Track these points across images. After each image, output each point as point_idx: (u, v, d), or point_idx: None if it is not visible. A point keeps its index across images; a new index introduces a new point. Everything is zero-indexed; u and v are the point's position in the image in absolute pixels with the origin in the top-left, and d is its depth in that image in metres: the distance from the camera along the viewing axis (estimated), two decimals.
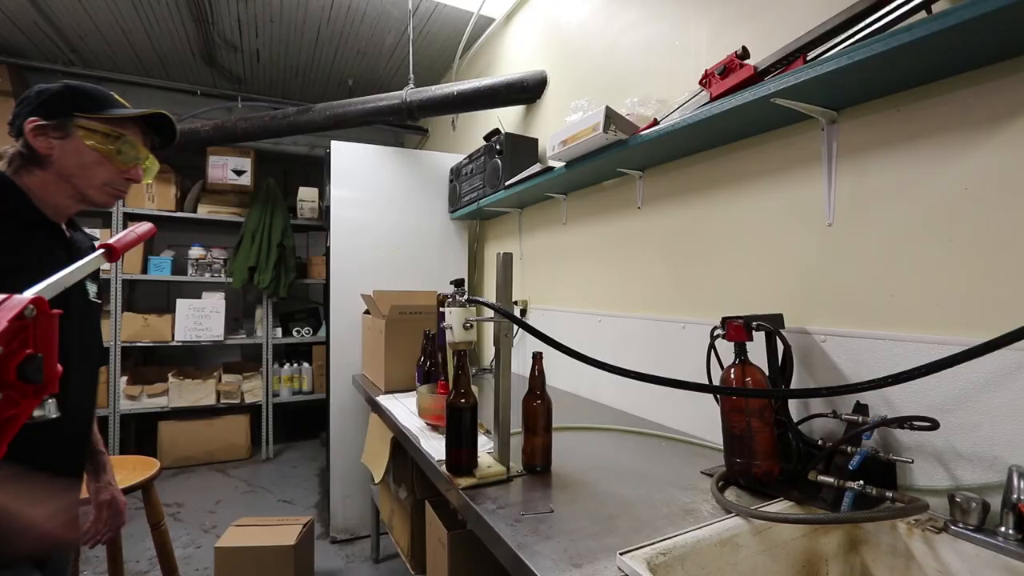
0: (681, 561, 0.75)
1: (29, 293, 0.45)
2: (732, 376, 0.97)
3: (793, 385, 1.06)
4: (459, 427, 1.05)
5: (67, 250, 0.97)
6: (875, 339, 0.98)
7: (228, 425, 3.61)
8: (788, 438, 0.97)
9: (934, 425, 0.81)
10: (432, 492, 1.61)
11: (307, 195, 3.91)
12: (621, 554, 0.72)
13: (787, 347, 1.03)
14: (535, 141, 2.20)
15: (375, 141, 2.88)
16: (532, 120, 2.39)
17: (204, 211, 3.63)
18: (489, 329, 2.60)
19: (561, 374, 1.96)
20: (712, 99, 1.12)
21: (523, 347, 2.26)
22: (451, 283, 1.10)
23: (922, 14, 0.84)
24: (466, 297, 1.08)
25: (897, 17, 0.86)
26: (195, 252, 3.63)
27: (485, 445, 1.24)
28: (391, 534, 1.94)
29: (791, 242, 1.17)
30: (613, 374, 0.81)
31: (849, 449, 0.89)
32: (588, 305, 1.91)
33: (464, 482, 1.02)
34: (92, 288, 1.07)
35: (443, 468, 1.09)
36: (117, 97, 0.98)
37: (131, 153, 0.96)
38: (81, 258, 0.82)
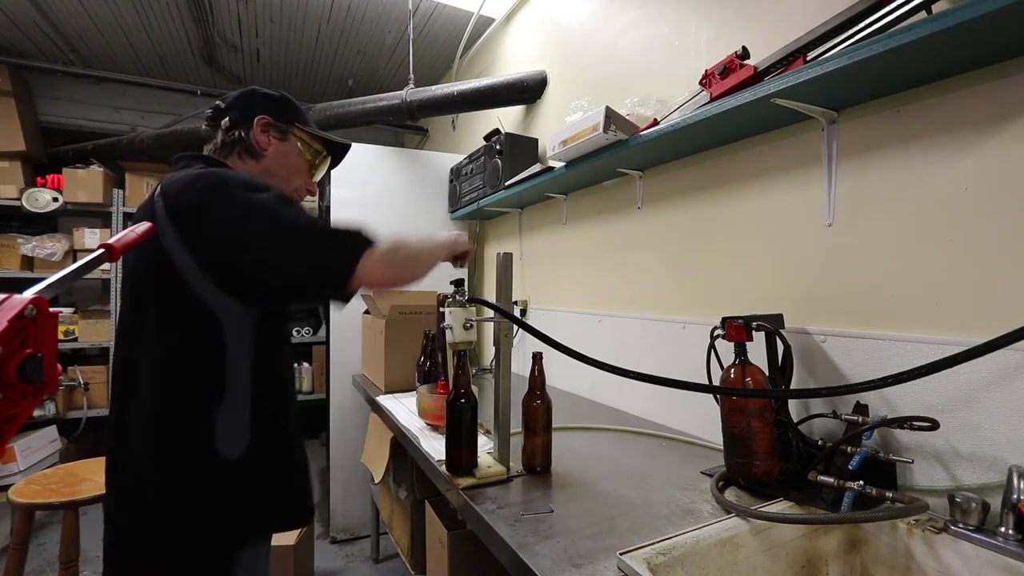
0: (681, 561, 0.75)
1: (29, 293, 0.45)
2: (732, 376, 0.97)
3: (793, 385, 1.06)
4: (459, 427, 1.05)
5: None
6: (875, 339, 0.98)
7: None
8: (788, 438, 0.97)
9: (934, 425, 0.81)
10: (432, 492, 1.61)
11: None
12: (621, 554, 0.72)
13: (787, 347, 1.03)
14: (535, 141, 2.20)
15: (375, 141, 2.88)
16: (532, 120, 2.39)
17: None
18: (489, 329, 2.60)
19: (561, 374, 1.96)
20: (712, 99, 1.12)
21: (523, 347, 2.26)
22: (451, 283, 1.10)
23: (922, 14, 0.84)
24: (466, 297, 1.08)
25: (897, 17, 0.86)
26: None
27: (485, 445, 1.24)
28: (391, 534, 1.94)
29: (791, 242, 1.17)
30: (613, 374, 0.81)
31: (849, 449, 0.89)
32: (588, 305, 1.91)
33: (464, 482, 1.02)
34: None
35: (443, 468, 1.09)
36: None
37: (322, 169, 1.08)
38: None
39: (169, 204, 0.82)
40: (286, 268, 0.82)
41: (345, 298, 0.87)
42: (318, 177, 1.08)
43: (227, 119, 0.98)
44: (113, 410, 0.89)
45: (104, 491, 0.91)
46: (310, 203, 4.03)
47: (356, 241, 0.85)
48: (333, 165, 1.15)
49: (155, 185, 0.99)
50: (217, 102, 1.02)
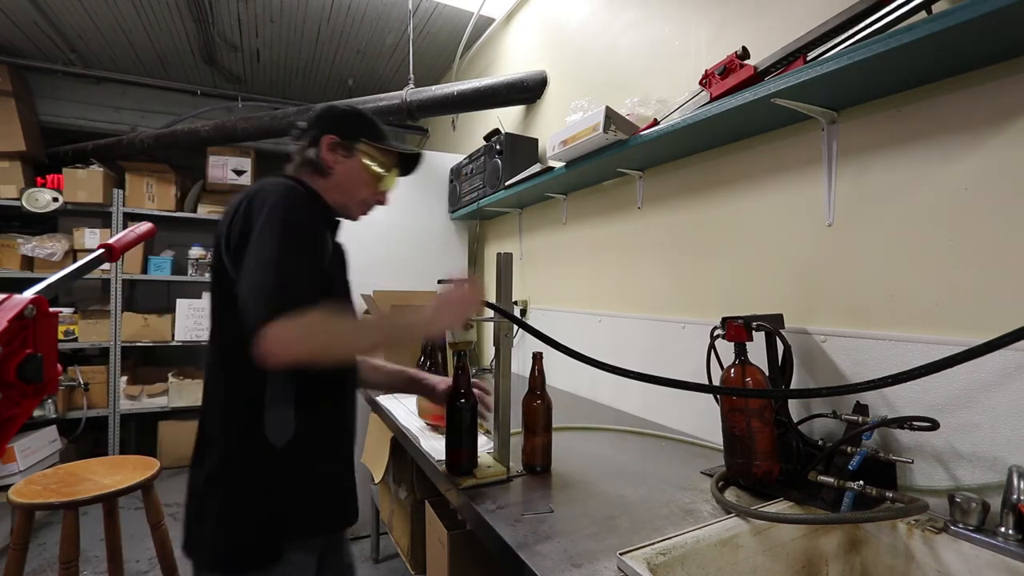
0: (681, 561, 0.75)
1: (29, 293, 0.45)
2: (732, 376, 0.97)
3: (793, 385, 1.06)
4: (459, 427, 1.05)
5: (337, 248, 1.08)
6: (875, 339, 0.98)
7: None
8: (788, 438, 0.97)
9: (934, 425, 0.81)
10: (432, 492, 1.61)
11: None
12: (621, 554, 0.72)
13: (787, 347, 1.03)
14: (535, 141, 2.20)
15: None
16: (532, 120, 2.39)
17: (204, 211, 3.62)
18: (489, 329, 2.60)
19: (561, 374, 1.96)
20: (712, 99, 1.12)
21: (523, 347, 2.26)
22: (438, 282, 1.11)
23: (922, 14, 0.84)
24: None
25: (897, 17, 0.86)
26: (195, 252, 3.62)
27: (485, 445, 1.24)
28: (391, 534, 1.94)
29: (791, 242, 1.17)
30: (613, 374, 0.81)
31: (849, 449, 0.89)
32: (588, 305, 1.91)
33: (464, 482, 1.02)
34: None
35: (443, 468, 1.09)
36: (385, 129, 1.11)
37: (391, 180, 1.10)
38: (343, 258, 1.07)
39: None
40: (239, 291, 0.83)
41: (261, 359, 0.76)
42: (389, 187, 1.11)
43: (303, 139, 1.05)
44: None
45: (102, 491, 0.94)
46: None
47: (272, 304, 0.77)
48: (407, 172, 1.16)
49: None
50: (300, 122, 1.09)
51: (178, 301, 3.50)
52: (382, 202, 1.11)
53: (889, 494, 0.81)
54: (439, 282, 1.11)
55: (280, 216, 0.85)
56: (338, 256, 1.07)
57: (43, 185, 3.13)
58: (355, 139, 1.05)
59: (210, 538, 0.88)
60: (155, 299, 4.09)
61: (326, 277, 0.94)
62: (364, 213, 1.10)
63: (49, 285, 0.48)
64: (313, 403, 0.95)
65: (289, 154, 1.08)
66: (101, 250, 0.56)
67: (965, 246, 0.87)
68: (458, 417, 1.05)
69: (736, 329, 0.98)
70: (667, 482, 1.04)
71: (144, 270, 3.45)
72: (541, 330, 0.90)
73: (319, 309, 0.79)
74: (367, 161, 1.06)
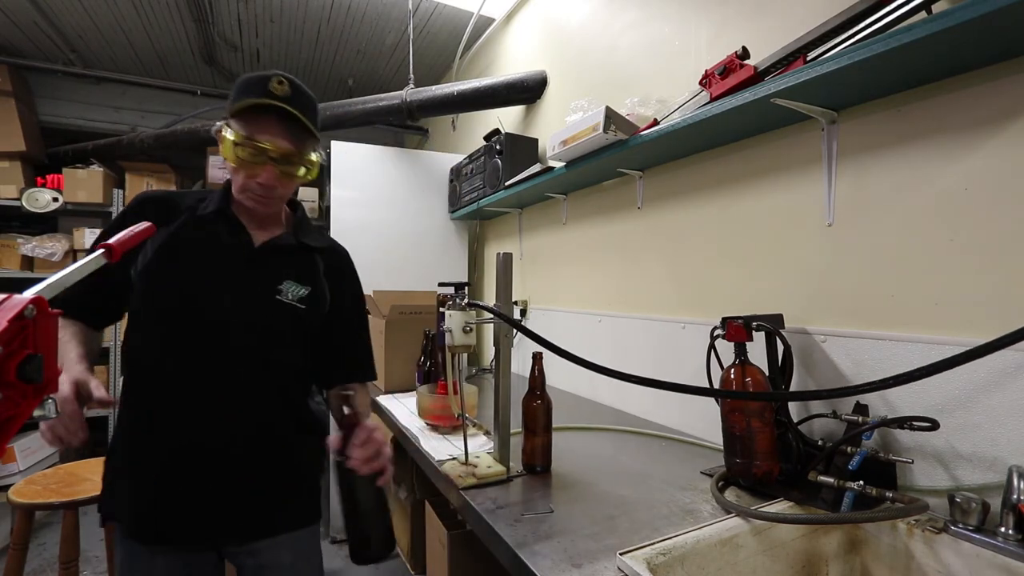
0: (681, 561, 0.75)
1: (29, 293, 0.45)
2: (732, 376, 0.97)
3: (793, 385, 1.06)
4: (351, 496, 0.90)
5: (245, 249, 0.97)
6: (875, 339, 0.98)
7: None
8: (788, 438, 0.97)
9: (934, 425, 0.81)
10: (432, 492, 1.61)
11: (307, 195, 3.90)
12: (621, 554, 0.72)
13: (787, 347, 1.03)
14: (535, 141, 2.20)
15: (375, 141, 2.87)
16: (532, 120, 2.39)
17: None
18: (489, 329, 2.60)
19: (561, 374, 1.96)
20: (712, 99, 1.12)
21: (523, 347, 2.26)
22: (439, 284, 1.10)
23: (922, 14, 0.84)
24: (466, 301, 1.08)
25: (897, 17, 0.86)
26: None
27: (485, 445, 1.24)
28: None
29: (791, 242, 1.17)
30: (613, 378, 0.81)
31: (849, 449, 0.89)
32: (588, 305, 1.91)
33: (464, 482, 1.02)
34: (294, 290, 0.99)
35: (443, 468, 1.09)
36: (273, 82, 0.87)
37: (248, 153, 0.88)
38: (262, 261, 0.98)
39: None
40: (346, 340, 1.15)
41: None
42: (263, 163, 0.89)
43: None
44: None
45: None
46: (310, 203, 4.03)
47: (373, 370, 1.20)
48: (286, 130, 0.90)
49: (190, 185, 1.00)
50: None
51: None
52: (264, 184, 0.90)
53: (889, 494, 0.81)
54: (440, 285, 1.11)
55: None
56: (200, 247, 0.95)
57: (43, 185, 3.13)
58: (225, 119, 0.91)
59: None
60: None
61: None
62: (256, 203, 0.94)
63: (49, 285, 0.48)
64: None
65: None
66: (100, 250, 0.56)
67: (965, 246, 0.87)
68: (347, 484, 0.90)
69: (736, 329, 0.98)
70: (667, 482, 1.04)
71: None
72: (541, 331, 0.90)
73: None
74: (222, 145, 0.90)
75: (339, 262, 1.12)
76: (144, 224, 0.64)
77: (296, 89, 0.90)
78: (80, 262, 0.53)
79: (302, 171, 0.94)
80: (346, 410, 0.90)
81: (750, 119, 1.15)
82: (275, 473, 0.98)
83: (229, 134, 0.89)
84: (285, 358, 0.99)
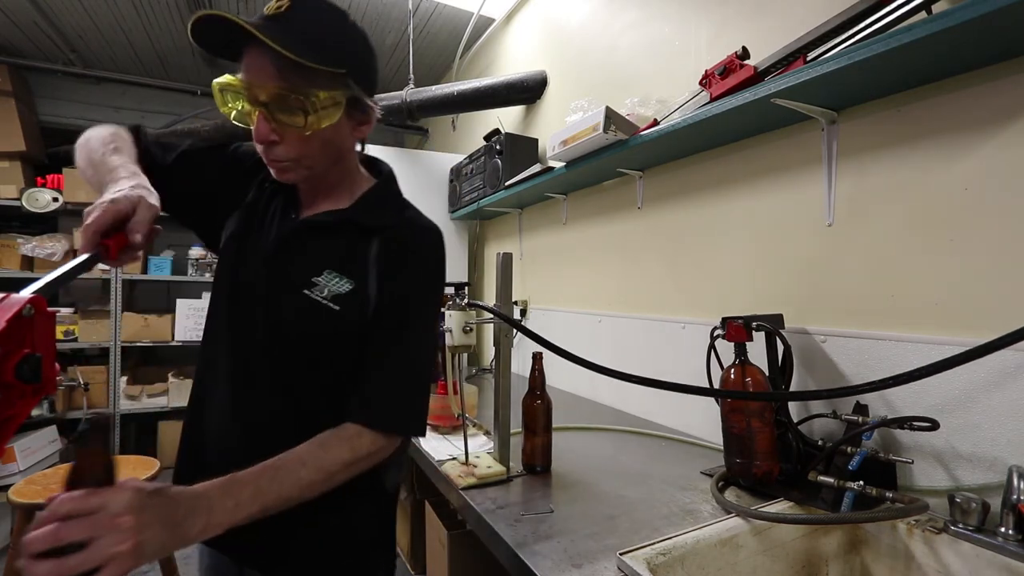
0: (681, 561, 0.75)
1: (27, 292, 0.44)
2: (732, 376, 0.97)
3: (793, 385, 1.06)
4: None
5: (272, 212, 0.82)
6: (875, 339, 0.97)
7: None
8: (788, 438, 0.97)
9: (934, 426, 0.81)
10: (432, 492, 1.61)
11: None
12: (621, 554, 0.72)
13: (787, 347, 1.03)
14: (535, 141, 2.20)
15: (375, 141, 2.88)
16: (532, 120, 2.39)
17: None
18: (489, 329, 2.60)
19: (561, 374, 1.96)
20: (712, 99, 1.12)
21: (523, 347, 2.25)
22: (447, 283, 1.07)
23: (922, 14, 0.84)
24: (466, 300, 1.08)
25: (897, 17, 0.86)
26: (195, 252, 3.62)
27: (485, 445, 1.24)
28: None
29: (791, 242, 1.17)
30: (613, 378, 0.80)
31: (849, 449, 0.89)
32: (588, 305, 1.91)
33: (464, 482, 1.02)
34: (334, 283, 0.75)
35: (443, 468, 1.09)
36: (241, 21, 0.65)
37: (229, 98, 0.76)
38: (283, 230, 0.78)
39: None
40: (372, 372, 0.78)
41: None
42: (243, 111, 0.76)
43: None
44: None
45: None
46: None
47: (406, 424, 0.75)
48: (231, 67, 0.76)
49: None
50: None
51: (178, 301, 3.49)
52: (259, 139, 0.73)
53: (889, 494, 0.80)
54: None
55: (434, 312, 0.78)
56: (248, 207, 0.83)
57: (43, 185, 3.13)
58: None
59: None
60: (155, 299, 4.09)
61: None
62: (274, 171, 0.76)
63: (47, 284, 0.47)
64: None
65: None
66: (98, 249, 0.56)
67: (965, 246, 0.87)
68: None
69: (736, 329, 0.98)
70: (667, 482, 1.04)
71: (144, 270, 3.45)
72: (541, 330, 0.90)
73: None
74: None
75: (402, 245, 0.79)
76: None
77: (300, 6, 0.69)
78: (77, 260, 0.53)
79: (302, 117, 0.69)
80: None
81: (750, 119, 1.15)
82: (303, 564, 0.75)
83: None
84: (311, 379, 0.75)
